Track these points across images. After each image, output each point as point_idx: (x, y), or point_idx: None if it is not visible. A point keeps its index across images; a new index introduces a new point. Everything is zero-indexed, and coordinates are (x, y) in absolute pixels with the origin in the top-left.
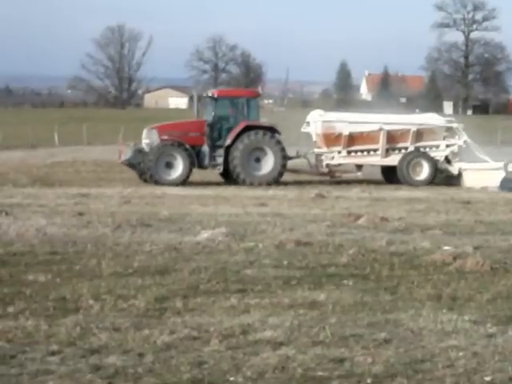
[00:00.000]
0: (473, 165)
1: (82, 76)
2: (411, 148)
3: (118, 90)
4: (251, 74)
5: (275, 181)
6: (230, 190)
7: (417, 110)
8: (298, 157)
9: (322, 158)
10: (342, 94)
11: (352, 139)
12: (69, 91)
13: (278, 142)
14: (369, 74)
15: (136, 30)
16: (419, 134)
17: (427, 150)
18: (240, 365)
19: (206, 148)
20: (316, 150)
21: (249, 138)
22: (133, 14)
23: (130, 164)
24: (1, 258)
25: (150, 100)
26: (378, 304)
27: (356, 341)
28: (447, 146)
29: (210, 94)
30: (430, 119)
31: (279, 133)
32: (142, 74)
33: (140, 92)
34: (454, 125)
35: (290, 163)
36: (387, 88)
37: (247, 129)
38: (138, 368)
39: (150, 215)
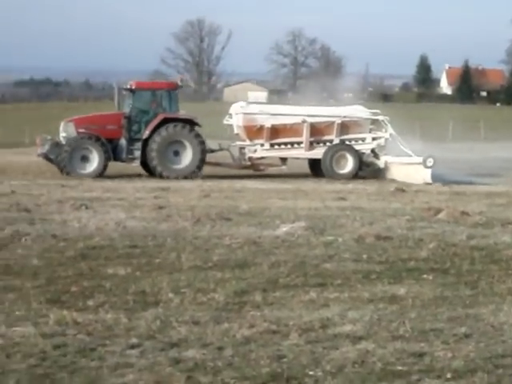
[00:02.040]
0: (399, 159)
1: (162, 70)
2: (336, 141)
3: (198, 84)
4: (331, 68)
5: (193, 174)
6: (309, 184)
7: None
8: (220, 150)
9: (245, 151)
10: (422, 88)
11: (275, 132)
12: None
13: (197, 135)
14: (449, 68)
15: (215, 24)
16: (344, 127)
17: (353, 142)
18: (319, 359)
19: (123, 141)
20: (238, 143)
21: (166, 130)
22: (212, 8)
23: (47, 157)
24: (81, 251)
25: (229, 94)
26: (458, 298)
27: (436, 335)
28: (373, 139)
29: (127, 86)
30: (355, 111)
31: (199, 125)
32: (222, 68)
33: (219, 86)
34: (380, 117)
35: (213, 156)
36: (467, 82)
37: (166, 121)
38: (217, 362)
39: (229, 209)
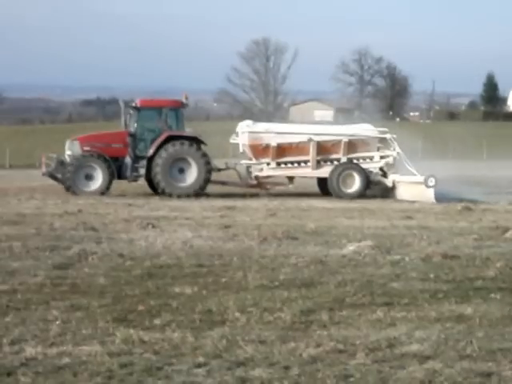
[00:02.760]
0: (405, 178)
1: (228, 89)
2: (344, 159)
3: (264, 103)
4: (397, 87)
5: (198, 193)
6: (375, 203)
7: None
8: (227, 168)
9: (251, 169)
10: (489, 106)
11: (281, 150)
12: (215, 104)
13: (203, 153)
14: None
15: (281, 43)
16: (352, 145)
17: (360, 161)
18: (386, 378)
19: (127, 159)
20: (244, 162)
21: (171, 148)
22: (278, 27)
23: (52, 176)
24: (148, 270)
25: (295, 113)
26: None
27: (504, 355)
28: (381, 157)
29: (133, 104)
30: (362, 130)
31: (204, 143)
32: (288, 86)
33: (286, 105)
34: (388, 135)
35: (219, 175)
36: None
37: (170, 139)
38: (283, 381)
39: (295, 228)
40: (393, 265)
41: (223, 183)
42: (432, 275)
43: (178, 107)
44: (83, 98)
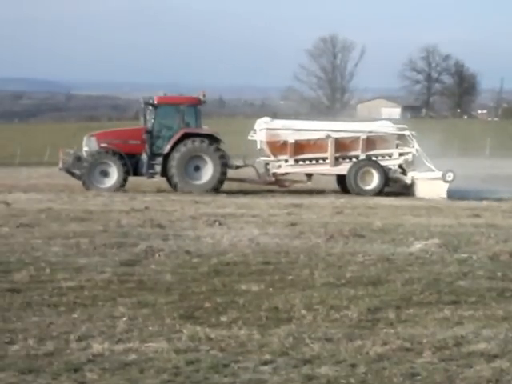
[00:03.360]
0: (424, 174)
1: (295, 87)
2: (362, 156)
3: (331, 101)
4: (465, 84)
5: (214, 190)
6: (443, 201)
7: None
8: (245, 166)
9: (269, 166)
10: None
11: (299, 147)
12: (282, 102)
13: (218, 150)
14: None
15: (349, 41)
16: (370, 142)
17: (379, 158)
18: (453, 377)
19: (144, 156)
20: (262, 159)
21: (186, 145)
22: (345, 25)
23: (69, 171)
24: (214, 267)
25: (362, 110)
26: None
27: None
28: (400, 154)
29: (151, 101)
30: (381, 127)
31: (220, 141)
32: (355, 84)
33: (353, 102)
34: (406, 132)
35: (237, 172)
36: None
37: (187, 136)
38: (350, 379)
39: (362, 226)
40: (460, 263)
41: (241, 180)
42: (499, 274)
43: (195, 104)
44: (151, 95)
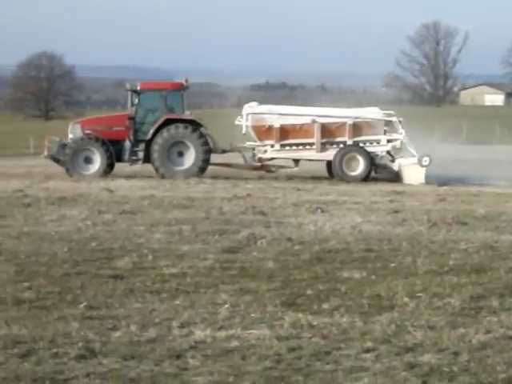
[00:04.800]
0: (406, 160)
1: (397, 73)
2: (350, 142)
3: (434, 88)
4: None
5: (197, 175)
6: None
7: None
8: (231, 150)
9: (255, 151)
10: None
11: (285, 132)
12: (383, 89)
13: (201, 136)
14: None
15: (452, 27)
16: (357, 128)
17: (367, 144)
18: None
19: (127, 142)
20: (248, 144)
21: (169, 131)
22: (448, 11)
23: (55, 159)
24: (317, 254)
25: (465, 97)
26: None
27: None
28: (388, 141)
29: (134, 87)
30: (368, 113)
31: (203, 126)
32: (458, 70)
33: (456, 89)
34: (394, 118)
35: (223, 157)
36: None
37: (170, 122)
38: (452, 367)
39: (465, 213)
40: None
41: (227, 165)
42: None
43: (178, 89)
44: (253, 83)
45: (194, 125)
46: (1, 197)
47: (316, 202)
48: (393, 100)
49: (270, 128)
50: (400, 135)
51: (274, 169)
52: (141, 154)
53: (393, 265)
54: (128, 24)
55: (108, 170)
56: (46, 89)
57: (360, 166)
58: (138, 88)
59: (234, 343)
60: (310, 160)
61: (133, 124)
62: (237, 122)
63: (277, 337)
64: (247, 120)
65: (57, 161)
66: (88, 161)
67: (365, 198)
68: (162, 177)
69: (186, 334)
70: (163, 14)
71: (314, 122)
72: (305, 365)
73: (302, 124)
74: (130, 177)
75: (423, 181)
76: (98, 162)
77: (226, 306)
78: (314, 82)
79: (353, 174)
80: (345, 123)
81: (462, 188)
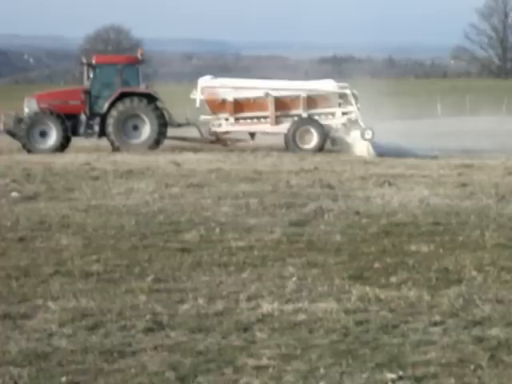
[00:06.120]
0: (354, 133)
1: (466, 46)
2: (304, 115)
3: (502, 60)
4: None
5: (152, 148)
6: None
7: None
8: (187, 124)
9: (210, 125)
10: None
11: (239, 106)
12: (452, 61)
13: (156, 109)
14: None
15: None
16: (312, 101)
17: (322, 117)
18: None
19: (82, 116)
20: (203, 117)
21: (124, 105)
22: None
23: (11, 133)
24: (384, 228)
25: None
26: None
27: None
28: (343, 113)
29: (89, 61)
30: (322, 85)
31: (159, 99)
32: None
33: None
34: (347, 91)
35: (179, 131)
36: None
37: (125, 95)
38: None
39: None
40: None
41: (183, 139)
42: None
43: (133, 63)
44: (320, 56)
45: (150, 98)
46: (68, 170)
47: (383, 176)
48: (461, 73)
49: (224, 101)
50: (354, 108)
51: (229, 142)
52: (96, 128)
53: (461, 238)
54: None
55: (64, 143)
56: None
57: (314, 139)
58: (94, 62)
59: (301, 316)
60: (265, 133)
61: (88, 98)
62: (192, 96)
63: (344, 310)
64: (202, 94)
65: (13, 135)
66: (44, 135)
67: (432, 171)
68: (118, 150)
69: (253, 307)
70: None
71: (267, 95)
72: (372, 338)
73: (256, 97)
74: (197, 150)
75: (365, 153)
76: (53, 136)
77: (294, 279)
78: (382, 55)
79: (307, 147)
80: (299, 96)
81: None
